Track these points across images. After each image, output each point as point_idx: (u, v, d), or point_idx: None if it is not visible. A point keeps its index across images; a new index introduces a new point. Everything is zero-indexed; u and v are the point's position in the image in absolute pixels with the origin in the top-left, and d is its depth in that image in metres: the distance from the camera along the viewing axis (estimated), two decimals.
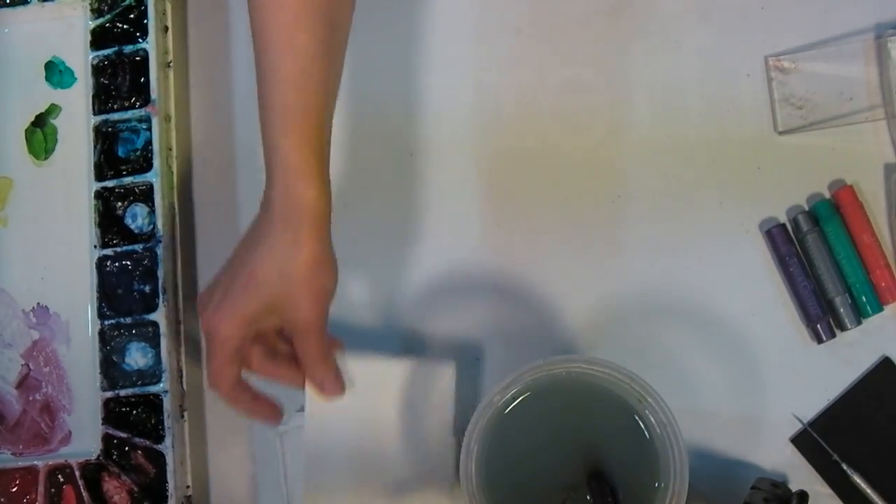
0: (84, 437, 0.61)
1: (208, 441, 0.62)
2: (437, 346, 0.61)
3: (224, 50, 0.66)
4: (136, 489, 0.58)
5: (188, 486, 0.60)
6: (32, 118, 0.65)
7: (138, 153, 0.62)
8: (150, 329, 0.60)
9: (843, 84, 0.61)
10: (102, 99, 0.62)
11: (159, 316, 0.60)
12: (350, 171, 0.64)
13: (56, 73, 0.65)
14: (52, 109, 0.65)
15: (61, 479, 0.60)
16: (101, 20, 0.63)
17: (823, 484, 0.59)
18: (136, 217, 0.61)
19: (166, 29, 0.64)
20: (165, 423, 0.59)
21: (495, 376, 0.52)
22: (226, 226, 0.64)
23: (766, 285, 0.61)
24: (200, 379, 0.62)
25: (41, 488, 0.59)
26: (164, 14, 0.63)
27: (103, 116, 0.62)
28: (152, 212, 0.61)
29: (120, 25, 0.63)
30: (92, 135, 0.62)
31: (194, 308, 0.63)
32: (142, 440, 0.59)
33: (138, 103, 0.62)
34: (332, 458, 0.56)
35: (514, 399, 0.53)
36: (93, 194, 0.61)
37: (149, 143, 0.61)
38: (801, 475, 0.59)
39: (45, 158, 0.64)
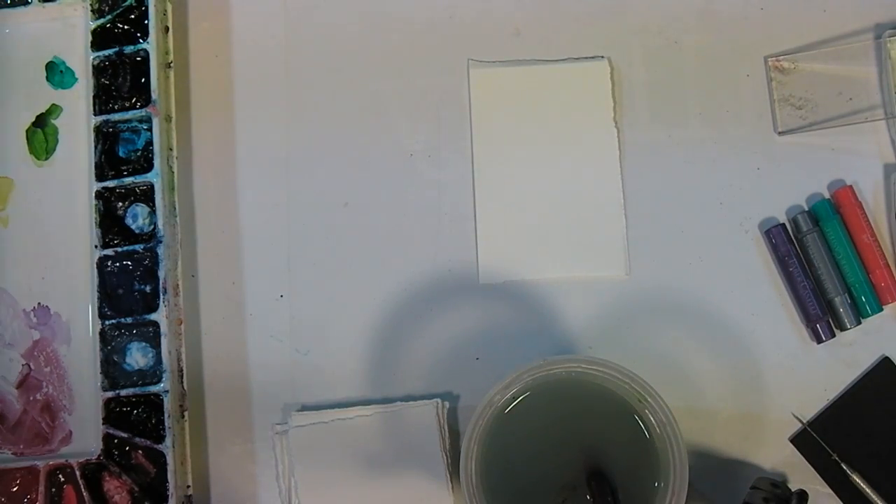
0: (84, 436, 0.61)
1: (208, 441, 0.62)
2: (436, 348, 0.62)
3: (224, 50, 0.66)
4: (136, 489, 0.58)
5: (188, 486, 0.60)
6: (33, 118, 0.65)
7: (139, 153, 0.62)
8: (150, 329, 0.60)
9: (843, 84, 0.62)
10: (103, 99, 0.62)
11: (160, 316, 0.60)
12: (350, 171, 0.64)
13: (57, 73, 0.65)
14: (53, 110, 0.65)
15: (62, 479, 0.60)
16: (101, 20, 0.63)
17: (823, 484, 0.59)
18: (137, 217, 0.61)
19: (167, 29, 0.64)
20: (166, 423, 0.59)
21: (495, 376, 0.52)
22: (226, 226, 0.64)
23: (765, 285, 0.61)
24: (201, 379, 0.63)
25: (42, 488, 0.59)
26: (164, 14, 0.63)
27: (104, 117, 0.62)
28: (153, 212, 0.61)
29: (121, 26, 0.63)
30: (93, 135, 0.62)
31: (194, 307, 0.63)
32: (142, 440, 0.59)
33: (139, 103, 0.62)
34: None
35: (514, 399, 0.53)
36: (93, 194, 0.61)
37: (149, 143, 0.61)
38: (801, 475, 0.59)
39: (46, 158, 0.64)
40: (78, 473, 0.59)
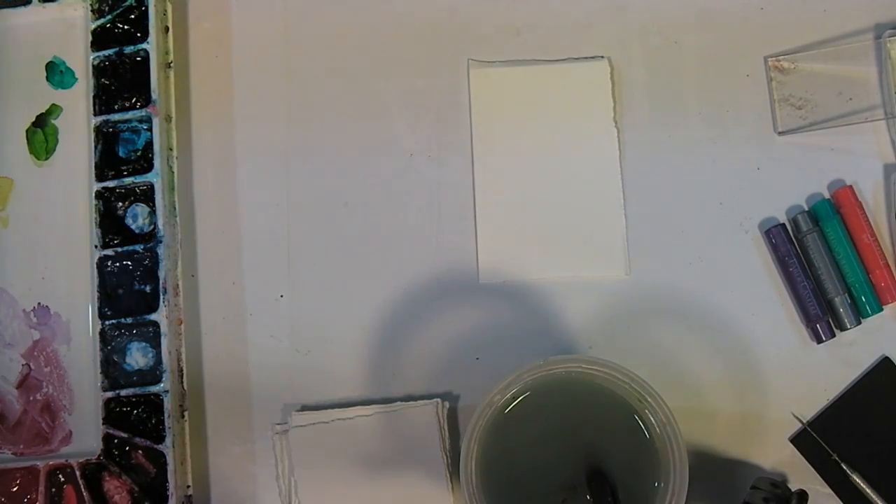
0: (85, 436, 0.61)
1: (208, 441, 0.62)
2: (436, 348, 0.62)
3: (224, 50, 0.66)
4: (136, 489, 0.58)
5: (188, 486, 0.60)
6: (33, 118, 0.65)
7: (139, 153, 0.62)
8: (150, 329, 0.60)
9: (843, 84, 0.62)
10: (103, 99, 0.62)
11: (160, 316, 0.60)
12: (350, 171, 0.64)
13: (57, 73, 0.65)
14: (53, 110, 0.65)
15: (62, 479, 0.60)
16: (101, 20, 0.63)
17: (823, 484, 0.59)
18: (137, 217, 0.61)
19: (167, 29, 0.64)
20: (166, 423, 0.59)
21: (495, 376, 0.52)
22: (226, 226, 0.64)
23: (765, 285, 0.61)
24: (201, 379, 0.63)
25: (42, 488, 0.59)
26: (164, 14, 0.63)
27: (104, 117, 0.62)
28: (153, 212, 0.61)
29: (121, 26, 0.63)
30: (93, 135, 0.62)
31: (194, 307, 0.63)
32: (142, 440, 0.59)
33: (139, 103, 0.62)
34: None
35: (514, 399, 0.53)
36: (93, 194, 0.61)
37: (149, 143, 0.61)
38: (801, 475, 0.59)
39: (46, 159, 0.64)
40: (78, 473, 0.59)
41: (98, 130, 0.62)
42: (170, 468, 0.58)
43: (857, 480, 0.58)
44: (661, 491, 0.52)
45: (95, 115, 0.62)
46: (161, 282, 0.60)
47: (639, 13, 0.64)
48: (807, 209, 0.61)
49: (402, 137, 0.64)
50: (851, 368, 0.60)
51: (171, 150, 0.63)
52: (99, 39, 0.63)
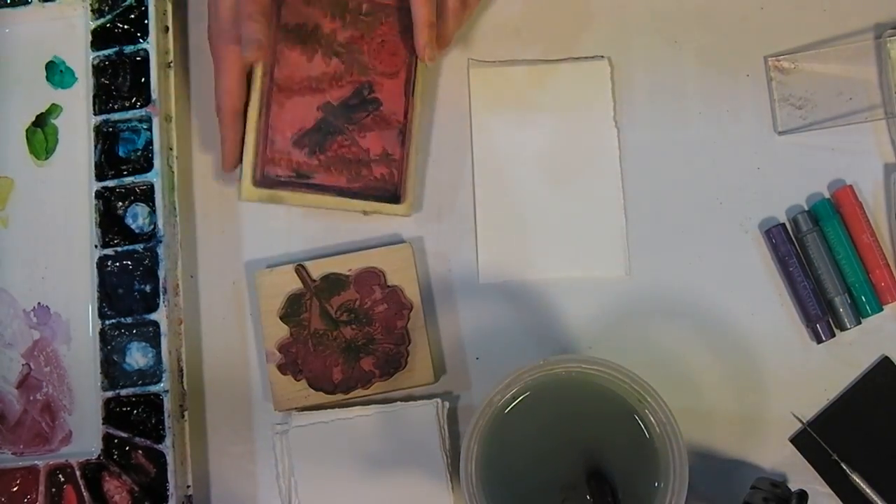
0: (85, 436, 0.61)
1: (208, 441, 0.62)
2: (436, 347, 0.62)
3: None
4: (136, 489, 0.58)
5: (188, 486, 0.60)
6: (33, 118, 0.65)
7: (139, 153, 0.62)
8: (150, 329, 0.60)
9: (843, 84, 0.62)
10: (103, 99, 0.62)
11: (160, 316, 0.60)
12: None
13: (57, 73, 0.65)
14: (53, 109, 0.65)
15: (62, 479, 0.60)
16: (101, 20, 0.63)
17: (823, 483, 0.59)
18: (137, 217, 0.61)
19: (167, 29, 0.64)
20: (166, 423, 0.59)
21: (495, 376, 0.52)
22: (226, 226, 0.64)
23: (765, 285, 0.61)
24: (201, 379, 0.63)
25: (42, 488, 0.59)
26: (164, 14, 0.63)
27: (104, 116, 0.62)
28: (153, 211, 0.61)
29: (120, 25, 0.63)
30: (93, 135, 0.62)
31: (195, 307, 0.63)
32: (142, 440, 0.59)
33: (139, 103, 0.62)
34: None
35: (514, 399, 0.53)
36: (93, 194, 0.61)
37: (149, 142, 0.61)
38: (801, 475, 0.59)
39: (46, 158, 0.64)
40: (78, 473, 0.59)
41: (98, 130, 0.62)
42: (170, 468, 0.58)
43: (857, 480, 0.58)
44: (661, 491, 0.52)
45: (95, 114, 0.62)
46: (161, 282, 0.60)
47: (639, 13, 0.64)
48: (807, 209, 0.61)
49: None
50: (851, 368, 0.60)
51: (171, 149, 0.63)
52: (99, 39, 0.63)
